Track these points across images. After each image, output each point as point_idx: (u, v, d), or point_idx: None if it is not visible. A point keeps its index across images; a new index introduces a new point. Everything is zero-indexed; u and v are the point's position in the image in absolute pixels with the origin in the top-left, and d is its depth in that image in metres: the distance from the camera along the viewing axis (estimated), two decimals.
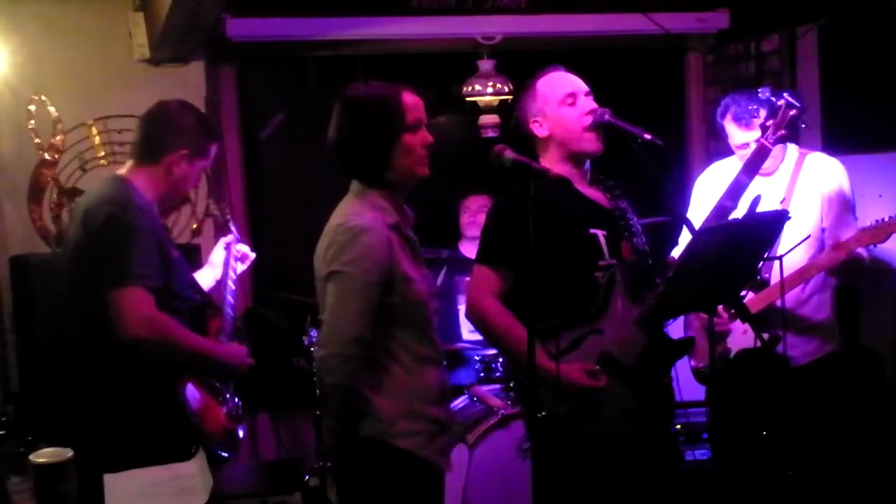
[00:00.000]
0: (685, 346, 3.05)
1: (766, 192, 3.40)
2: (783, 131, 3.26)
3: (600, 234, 2.90)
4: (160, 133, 3.02)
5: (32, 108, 4.55)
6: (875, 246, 3.45)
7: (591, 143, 2.95)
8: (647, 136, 2.87)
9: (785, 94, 3.31)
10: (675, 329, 3.59)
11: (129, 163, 3.06)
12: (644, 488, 2.90)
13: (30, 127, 4.56)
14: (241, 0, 4.62)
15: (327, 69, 5.14)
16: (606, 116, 2.96)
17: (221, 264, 3.49)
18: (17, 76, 4.67)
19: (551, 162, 2.97)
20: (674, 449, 4.41)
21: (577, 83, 3.02)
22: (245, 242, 3.65)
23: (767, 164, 3.45)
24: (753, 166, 3.28)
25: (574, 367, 2.73)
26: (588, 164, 3.03)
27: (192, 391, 2.99)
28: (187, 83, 4.80)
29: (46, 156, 4.59)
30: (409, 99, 2.67)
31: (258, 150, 5.22)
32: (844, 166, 3.63)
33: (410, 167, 2.66)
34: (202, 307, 3.15)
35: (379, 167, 2.65)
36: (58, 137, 4.59)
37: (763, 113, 3.45)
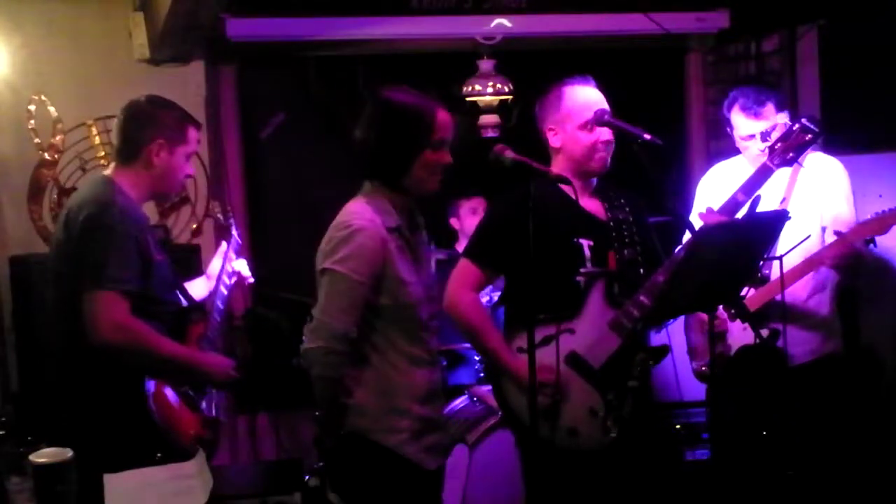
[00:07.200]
0: (660, 353, 3.07)
1: (765, 191, 3.41)
2: (791, 154, 3.16)
3: (586, 243, 3.02)
4: (134, 130, 2.99)
5: (32, 108, 4.56)
6: (875, 245, 3.45)
7: (597, 164, 3.08)
8: (647, 136, 2.91)
9: (803, 119, 3.21)
10: (676, 329, 3.60)
11: (112, 164, 3.04)
12: (618, 489, 2.98)
13: (30, 127, 4.57)
14: (241, 0, 4.62)
15: (327, 69, 5.14)
16: (606, 117, 3.01)
17: (216, 276, 3.40)
18: (17, 76, 4.66)
19: (559, 170, 3.05)
20: (671, 451, 4.41)
21: (601, 108, 3.06)
22: (245, 242, 3.61)
23: None
24: (753, 187, 3.16)
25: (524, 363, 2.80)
26: (595, 179, 3.15)
27: (170, 395, 2.95)
28: (187, 83, 4.80)
29: (46, 156, 4.59)
30: (443, 117, 2.69)
31: (258, 150, 5.22)
32: (845, 166, 3.63)
33: (424, 181, 2.69)
34: (185, 311, 3.10)
35: (399, 172, 2.67)
36: (58, 137, 4.60)
37: (771, 105, 3.47)
